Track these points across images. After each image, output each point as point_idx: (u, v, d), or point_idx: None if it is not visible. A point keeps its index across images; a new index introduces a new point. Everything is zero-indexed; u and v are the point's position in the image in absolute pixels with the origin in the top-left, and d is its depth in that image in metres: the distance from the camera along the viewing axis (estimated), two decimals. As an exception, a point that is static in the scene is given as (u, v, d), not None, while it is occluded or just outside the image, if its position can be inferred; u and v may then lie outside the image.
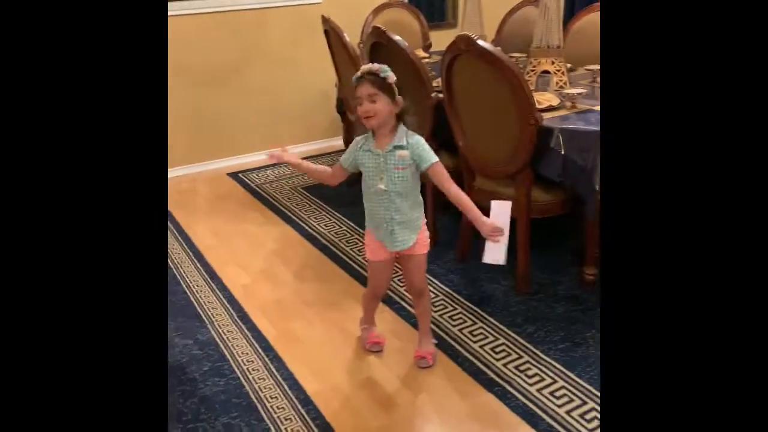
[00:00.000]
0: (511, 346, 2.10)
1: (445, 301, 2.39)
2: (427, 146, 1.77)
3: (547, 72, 2.65)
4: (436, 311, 2.32)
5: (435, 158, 1.76)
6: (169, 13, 3.65)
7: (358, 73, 1.73)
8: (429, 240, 1.92)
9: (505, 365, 2.01)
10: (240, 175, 3.90)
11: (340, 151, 3.99)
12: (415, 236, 1.86)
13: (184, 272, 2.71)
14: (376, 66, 1.72)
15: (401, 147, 1.75)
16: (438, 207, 2.77)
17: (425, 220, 1.90)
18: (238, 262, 2.79)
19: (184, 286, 2.60)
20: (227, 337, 2.22)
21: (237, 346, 2.17)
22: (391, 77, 1.72)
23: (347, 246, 2.86)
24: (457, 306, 2.35)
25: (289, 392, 1.93)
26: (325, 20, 3.13)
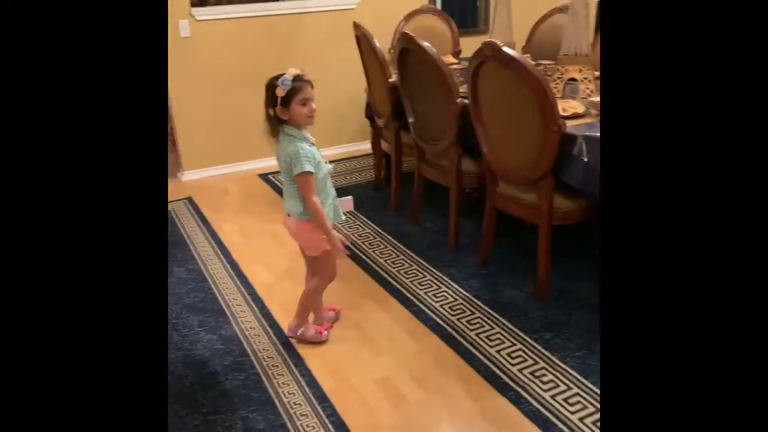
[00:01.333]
0: (528, 351, 2.11)
1: (463, 305, 2.41)
2: None
3: (574, 80, 2.65)
4: (454, 315, 2.34)
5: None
6: (211, 17, 3.77)
7: (303, 76, 1.91)
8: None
9: (520, 370, 2.01)
10: (270, 176, 3.99)
11: (368, 155, 4.05)
12: None
13: (211, 269, 2.79)
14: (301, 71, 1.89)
15: None
16: (461, 212, 2.79)
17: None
18: (263, 260, 2.85)
19: (210, 282, 2.67)
20: (249, 333, 2.28)
21: (258, 342, 2.23)
22: None
23: (369, 248, 2.89)
24: (475, 311, 2.37)
25: (307, 389, 1.98)
26: (357, 26, 3.19)
